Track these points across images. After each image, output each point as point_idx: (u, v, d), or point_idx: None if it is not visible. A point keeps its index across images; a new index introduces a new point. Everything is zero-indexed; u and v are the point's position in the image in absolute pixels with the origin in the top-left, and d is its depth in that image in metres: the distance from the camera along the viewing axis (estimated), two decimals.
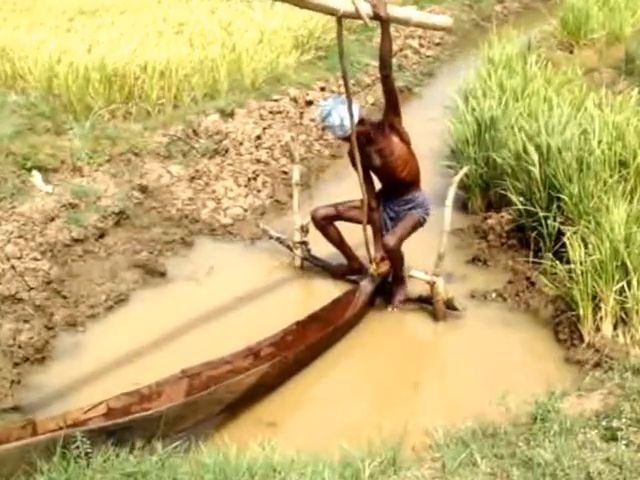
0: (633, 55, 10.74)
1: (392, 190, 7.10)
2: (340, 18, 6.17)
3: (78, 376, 6.03)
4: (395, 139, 6.81)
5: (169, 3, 14.39)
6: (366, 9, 6.12)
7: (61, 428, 4.75)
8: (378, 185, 7.24)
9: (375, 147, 6.85)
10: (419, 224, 7.09)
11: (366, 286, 7.13)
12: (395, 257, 6.98)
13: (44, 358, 6.39)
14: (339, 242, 7.43)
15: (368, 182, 7.01)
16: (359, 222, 7.09)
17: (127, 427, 4.75)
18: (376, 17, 6.25)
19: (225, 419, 5.58)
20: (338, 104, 6.70)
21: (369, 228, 7.14)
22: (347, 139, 6.82)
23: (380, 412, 5.71)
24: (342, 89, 6.67)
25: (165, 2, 14.50)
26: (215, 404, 5.39)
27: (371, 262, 7.11)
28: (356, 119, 6.63)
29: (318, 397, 6.05)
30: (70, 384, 5.97)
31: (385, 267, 7.09)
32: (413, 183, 7.06)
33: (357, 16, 6.11)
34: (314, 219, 7.33)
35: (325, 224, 7.30)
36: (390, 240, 6.88)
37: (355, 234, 7.25)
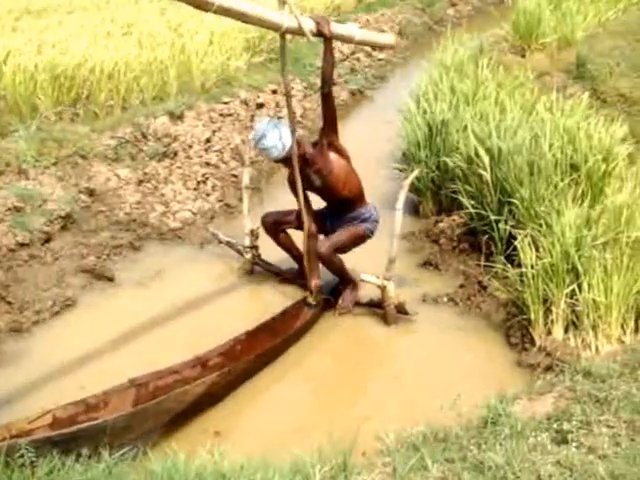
0: (584, 59, 10.82)
1: (336, 208, 7.06)
2: (283, 34, 6.16)
3: (23, 383, 5.92)
4: (333, 156, 6.74)
5: (117, 3, 14.31)
6: (309, 25, 6.14)
7: (5, 439, 4.63)
8: (322, 204, 7.21)
9: (313, 168, 6.78)
10: (361, 237, 7.03)
11: (315, 297, 7.07)
12: (328, 263, 6.93)
13: None
14: (290, 247, 7.38)
15: (308, 207, 6.96)
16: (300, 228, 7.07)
17: (73, 437, 4.67)
18: (319, 34, 6.27)
19: (172, 429, 5.48)
20: (271, 127, 6.66)
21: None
22: (282, 161, 6.79)
23: (330, 417, 5.65)
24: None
25: (113, 2, 14.39)
26: (163, 414, 5.31)
27: (309, 292, 7.04)
28: (281, 147, 6.63)
29: (266, 404, 5.96)
30: (15, 391, 5.84)
31: (321, 296, 7.04)
32: (356, 199, 6.99)
33: (300, 32, 6.11)
34: (264, 224, 7.28)
35: (276, 230, 7.24)
36: (321, 246, 6.83)
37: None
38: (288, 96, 6.50)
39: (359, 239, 7.02)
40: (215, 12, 5.55)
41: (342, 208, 7.01)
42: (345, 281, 7.11)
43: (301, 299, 7.14)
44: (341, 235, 6.92)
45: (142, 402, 5.32)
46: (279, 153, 6.65)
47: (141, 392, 5.51)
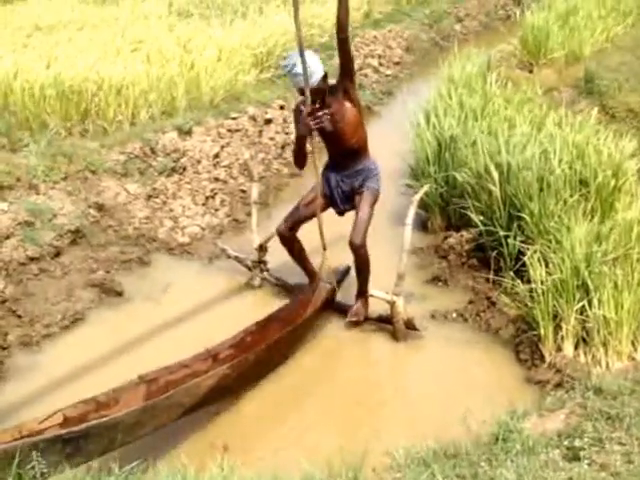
0: (592, 74, 10.83)
1: (342, 161, 7.00)
2: None
3: (33, 397, 5.95)
4: (348, 104, 6.70)
5: (127, 20, 14.31)
6: None
7: (16, 439, 4.62)
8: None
9: (328, 111, 6.71)
10: (376, 199, 7.00)
11: (325, 285, 7.13)
12: (362, 257, 6.84)
13: None
14: (302, 258, 7.36)
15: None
16: (314, 215, 6.99)
17: (84, 435, 4.67)
18: None
19: (179, 442, 5.50)
20: (307, 54, 6.49)
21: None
22: (319, 90, 6.63)
23: (340, 433, 5.66)
24: None
25: (123, 19, 14.42)
26: (174, 408, 5.30)
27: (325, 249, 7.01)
28: (321, 73, 6.57)
29: (276, 418, 5.95)
30: (25, 404, 5.88)
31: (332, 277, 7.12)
32: (361, 151, 6.97)
33: None
34: (281, 234, 7.20)
35: (291, 238, 7.19)
36: (355, 238, 6.73)
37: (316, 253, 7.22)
38: (300, 44, 6.39)
39: (375, 202, 6.98)
40: None
41: (348, 160, 6.97)
42: (361, 292, 7.08)
43: (309, 287, 7.18)
44: (361, 216, 6.83)
45: (153, 397, 5.30)
46: (318, 77, 6.54)
47: (152, 388, 5.50)
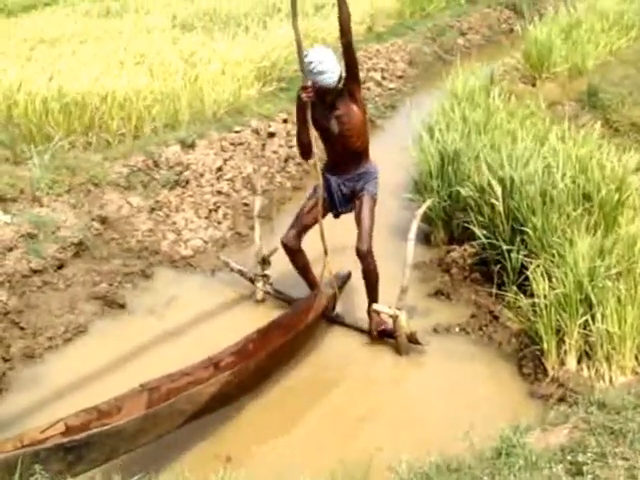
0: (596, 88, 10.84)
1: (345, 164, 7.01)
2: None
3: (35, 408, 5.97)
4: (354, 107, 6.74)
5: (130, 33, 14.34)
6: None
7: (18, 448, 4.62)
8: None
9: (335, 113, 6.76)
10: (375, 202, 7.02)
11: (326, 290, 7.13)
12: (370, 265, 6.86)
13: (1, 390, 6.31)
14: (304, 269, 7.36)
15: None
16: (316, 222, 7.00)
17: (86, 443, 4.68)
18: None
19: (182, 454, 5.49)
20: (328, 52, 6.64)
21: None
22: (323, 93, 6.67)
23: (343, 446, 5.63)
24: None
25: (126, 32, 14.45)
26: (176, 416, 5.31)
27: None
28: (338, 73, 6.58)
29: (278, 430, 5.95)
30: (27, 416, 5.88)
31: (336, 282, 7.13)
32: (363, 154, 7.01)
33: None
34: (285, 243, 7.18)
35: (295, 247, 7.17)
36: (362, 245, 6.77)
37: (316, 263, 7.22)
38: (299, 44, 6.43)
39: (374, 208, 6.99)
40: None
41: (350, 163, 7.00)
42: (374, 292, 7.05)
43: (311, 294, 7.18)
44: (364, 223, 6.85)
45: (155, 405, 5.30)
46: (336, 78, 6.58)
47: (153, 395, 5.50)
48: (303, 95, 6.53)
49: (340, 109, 6.74)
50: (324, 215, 7.07)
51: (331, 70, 6.53)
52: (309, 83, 6.51)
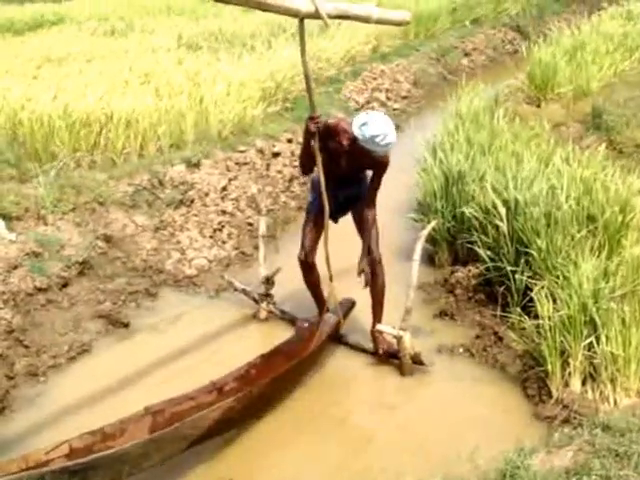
0: (600, 110, 10.84)
1: (345, 182, 6.98)
2: (302, 19, 6.12)
3: (38, 427, 5.96)
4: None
5: (136, 53, 14.41)
6: (327, 9, 6.00)
7: (22, 470, 4.62)
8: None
9: (348, 158, 6.68)
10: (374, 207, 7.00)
11: (330, 318, 7.14)
12: (380, 276, 6.89)
13: (4, 408, 6.30)
14: (316, 286, 7.32)
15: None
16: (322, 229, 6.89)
17: (91, 467, 4.67)
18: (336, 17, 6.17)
19: (186, 477, 5.49)
20: (388, 122, 6.51)
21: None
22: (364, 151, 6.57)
23: (346, 468, 5.61)
24: None
25: (132, 51, 14.52)
26: (180, 440, 5.30)
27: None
28: (393, 142, 6.51)
29: (281, 451, 5.92)
30: (30, 435, 5.87)
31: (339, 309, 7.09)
32: (364, 177, 7.05)
33: (318, 16, 6.02)
34: (301, 260, 7.12)
35: (310, 263, 7.13)
36: (373, 254, 6.81)
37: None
38: (308, 79, 6.43)
39: (375, 215, 6.96)
40: (235, 3, 5.60)
41: (350, 181, 7.00)
42: (380, 309, 7.05)
43: (315, 320, 7.18)
44: (371, 232, 6.85)
45: (159, 429, 5.29)
46: (389, 150, 6.55)
47: (157, 419, 5.50)
48: (311, 126, 6.46)
49: (356, 158, 6.66)
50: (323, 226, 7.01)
51: (392, 144, 6.49)
52: (317, 114, 6.43)
